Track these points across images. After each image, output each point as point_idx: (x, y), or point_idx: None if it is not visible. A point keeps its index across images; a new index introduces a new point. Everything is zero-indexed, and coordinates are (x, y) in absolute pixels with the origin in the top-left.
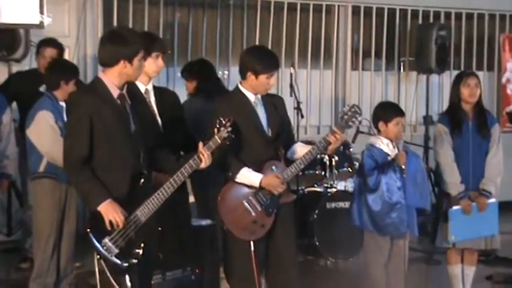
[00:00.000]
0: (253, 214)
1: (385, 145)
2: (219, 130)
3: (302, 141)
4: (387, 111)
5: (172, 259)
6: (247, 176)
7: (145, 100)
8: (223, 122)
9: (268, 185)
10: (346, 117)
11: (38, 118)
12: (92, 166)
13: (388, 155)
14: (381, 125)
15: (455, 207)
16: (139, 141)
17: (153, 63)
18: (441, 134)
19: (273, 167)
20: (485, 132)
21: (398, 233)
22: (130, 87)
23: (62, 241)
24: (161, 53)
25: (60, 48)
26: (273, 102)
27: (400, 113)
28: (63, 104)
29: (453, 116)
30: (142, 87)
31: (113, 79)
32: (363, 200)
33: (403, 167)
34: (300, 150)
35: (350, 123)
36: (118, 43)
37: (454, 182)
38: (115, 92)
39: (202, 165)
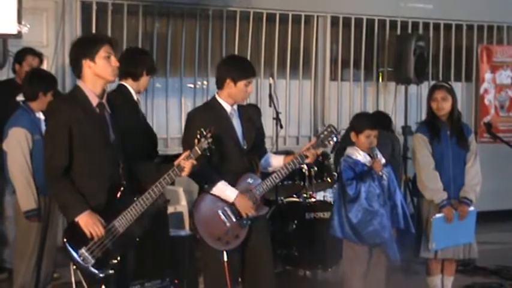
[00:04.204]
0: (228, 224)
1: (361, 156)
2: (199, 141)
3: (281, 152)
4: (360, 122)
5: (151, 269)
6: (223, 190)
7: (137, 104)
8: (204, 133)
9: (240, 206)
10: (322, 136)
11: (11, 136)
12: (71, 175)
13: (365, 165)
14: (352, 135)
15: (438, 215)
16: (118, 151)
17: (147, 82)
18: (420, 143)
19: (249, 179)
20: (464, 143)
21: (382, 240)
22: (124, 91)
23: (43, 253)
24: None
25: (40, 57)
26: (248, 113)
27: (373, 125)
28: (39, 115)
29: (431, 125)
30: (134, 95)
31: (90, 86)
32: (343, 211)
33: (380, 173)
34: (275, 161)
35: (326, 143)
36: (77, 46)
37: (437, 189)
38: (94, 101)
39: (183, 174)
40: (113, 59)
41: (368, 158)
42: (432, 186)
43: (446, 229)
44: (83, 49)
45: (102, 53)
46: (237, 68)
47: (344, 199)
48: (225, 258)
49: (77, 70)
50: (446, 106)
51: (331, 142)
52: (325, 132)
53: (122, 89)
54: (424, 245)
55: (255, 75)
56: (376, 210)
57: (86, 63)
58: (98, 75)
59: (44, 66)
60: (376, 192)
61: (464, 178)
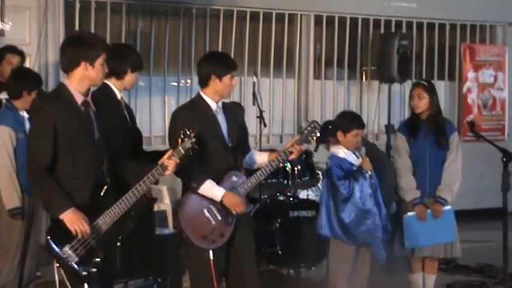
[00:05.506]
0: (213, 223)
1: (347, 154)
2: (183, 141)
3: (265, 150)
4: (347, 121)
5: (135, 268)
6: (211, 188)
7: (120, 104)
8: (188, 132)
9: (229, 203)
10: (306, 132)
11: None
12: (55, 174)
13: (352, 164)
14: (339, 134)
15: (409, 213)
16: (102, 149)
17: (135, 79)
18: (399, 142)
19: (234, 177)
20: (443, 142)
21: (373, 239)
22: (107, 90)
23: (27, 251)
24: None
25: (22, 55)
26: (232, 110)
27: (360, 125)
28: (23, 114)
29: (411, 124)
30: (118, 94)
31: (76, 84)
32: (333, 210)
33: (370, 172)
34: (259, 158)
35: (309, 139)
36: (79, 45)
37: (408, 187)
38: (79, 99)
39: (167, 174)
40: (105, 65)
41: (354, 156)
42: (404, 185)
43: (421, 227)
44: (85, 51)
45: (101, 59)
46: (220, 63)
47: (335, 198)
48: (211, 257)
49: (70, 67)
50: (422, 104)
51: (315, 138)
52: (309, 128)
53: (105, 88)
54: (399, 243)
55: (236, 68)
56: (369, 210)
57: (85, 65)
58: (90, 78)
59: (27, 65)
60: (368, 192)
61: (441, 176)
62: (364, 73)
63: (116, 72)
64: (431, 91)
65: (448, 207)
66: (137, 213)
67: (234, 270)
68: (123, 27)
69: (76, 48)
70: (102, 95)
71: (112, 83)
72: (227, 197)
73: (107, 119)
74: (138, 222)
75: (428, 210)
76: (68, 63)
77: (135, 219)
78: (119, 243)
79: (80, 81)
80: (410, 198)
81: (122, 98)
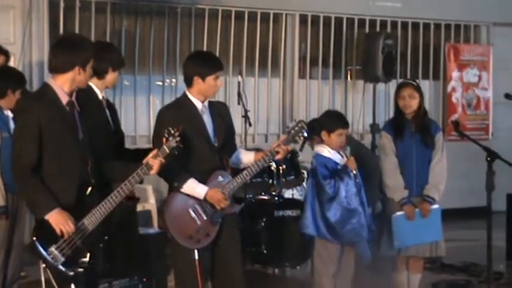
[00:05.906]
0: (199, 223)
1: (331, 154)
2: (167, 140)
3: (251, 150)
4: (332, 121)
5: (119, 268)
6: (194, 187)
7: (101, 104)
8: (172, 131)
9: (212, 199)
10: (292, 132)
11: None
12: (40, 174)
13: (337, 163)
14: (323, 133)
15: (398, 213)
16: (87, 149)
17: (116, 77)
18: (384, 141)
19: (220, 177)
20: (429, 141)
21: (359, 238)
22: (88, 91)
23: (11, 250)
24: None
25: (7, 55)
26: (218, 109)
27: (344, 124)
28: (8, 113)
29: (396, 123)
30: (99, 94)
31: (63, 85)
32: (318, 209)
33: (355, 172)
34: (245, 157)
35: (296, 139)
36: (73, 49)
37: (397, 187)
38: (64, 99)
39: (152, 173)
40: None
41: (338, 156)
42: (392, 184)
43: (409, 227)
44: (80, 55)
45: (91, 63)
46: (203, 64)
47: (320, 197)
48: (196, 257)
49: (62, 70)
50: (413, 104)
51: (302, 137)
52: (296, 128)
53: (86, 88)
54: (386, 242)
55: (222, 69)
56: (355, 209)
57: (79, 70)
58: (80, 82)
59: (11, 64)
60: (353, 191)
61: (428, 176)
62: (349, 72)
63: (96, 71)
64: (421, 91)
65: (435, 206)
66: (118, 213)
67: (219, 270)
68: (108, 26)
69: (71, 52)
70: (83, 95)
71: (93, 83)
72: (211, 193)
73: (89, 119)
74: (119, 222)
75: (416, 210)
76: (60, 66)
77: (116, 219)
78: (101, 244)
79: (68, 83)
80: (398, 197)
81: (103, 97)
